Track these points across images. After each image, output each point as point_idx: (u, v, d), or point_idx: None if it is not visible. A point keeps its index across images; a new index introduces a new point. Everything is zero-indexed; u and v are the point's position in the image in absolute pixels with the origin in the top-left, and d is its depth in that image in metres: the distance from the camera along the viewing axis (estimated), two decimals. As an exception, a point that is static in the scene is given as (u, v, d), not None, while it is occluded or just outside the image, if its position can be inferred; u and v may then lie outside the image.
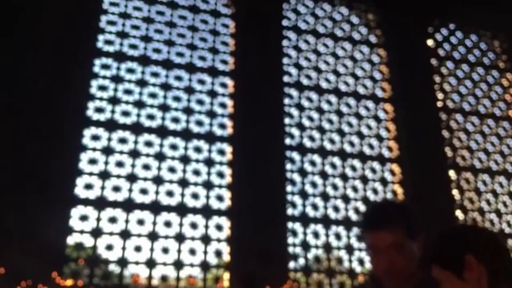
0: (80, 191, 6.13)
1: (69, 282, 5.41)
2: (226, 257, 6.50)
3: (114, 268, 6.15)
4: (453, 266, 1.26)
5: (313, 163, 7.48)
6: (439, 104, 8.60)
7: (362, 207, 7.47)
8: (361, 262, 7.13)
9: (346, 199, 7.43)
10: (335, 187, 7.46)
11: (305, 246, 6.93)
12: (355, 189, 7.57)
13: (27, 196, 5.44)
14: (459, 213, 7.87)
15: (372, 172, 7.80)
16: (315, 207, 7.23)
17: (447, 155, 8.23)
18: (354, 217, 7.36)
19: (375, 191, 7.67)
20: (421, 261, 1.38)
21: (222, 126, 7.24)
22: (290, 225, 6.93)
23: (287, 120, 7.54)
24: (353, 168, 7.70)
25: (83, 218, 6.03)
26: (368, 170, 7.79)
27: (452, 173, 8.16)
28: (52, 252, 5.51)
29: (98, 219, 6.09)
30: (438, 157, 8.01)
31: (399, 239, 1.54)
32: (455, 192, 8.02)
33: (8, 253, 4.94)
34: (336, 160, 7.64)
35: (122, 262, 6.03)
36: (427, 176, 7.48)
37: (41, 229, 5.37)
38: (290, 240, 6.85)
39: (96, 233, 6.03)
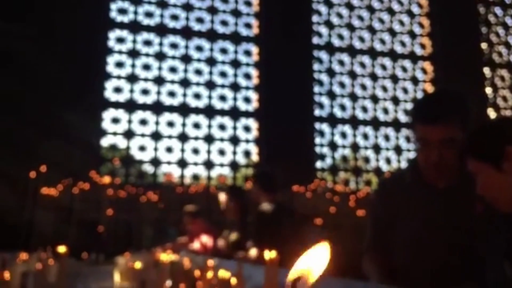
0: (110, 94, 6.24)
1: (106, 180, 5.69)
2: (255, 157, 6.67)
3: (148, 168, 6.42)
4: (492, 157, 1.24)
5: (341, 63, 7.29)
6: (478, -4, 8.04)
7: (391, 107, 7.38)
8: (388, 161, 7.21)
9: (375, 99, 7.33)
10: (364, 87, 7.33)
11: (332, 146, 7.00)
12: (384, 88, 7.42)
13: (62, 98, 5.54)
14: (491, 111, 7.71)
15: (403, 70, 7.58)
16: (343, 107, 7.18)
17: (482, 51, 7.87)
18: (382, 117, 7.31)
19: (405, 91, 7.51)
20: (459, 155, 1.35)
21: (248, 25, 7.01)
22: (317, 125, 6.96)
23: (315, 18, 7.23)
24: (383, 67, 7.49)
25: (115, 120, 6.19)
26: (399, 68, 7.56)
27: (486, 70, 7.86)
28: (89, 152, 5.75)
29: (130, 121, 6.24)
30: (473, 53, 7.67)
31: (452, 133, 1.47)
32: (488, 90, 7.79)
33: (48, 154, 5.17)
34: (366, 59, 7.42)
35: (155, 162, 6.27)
36: (460, 74, 7.21)
37: (77, 131, 5.56)
38: (318, 140, 6.93)
39: (129, 134, 6.21)
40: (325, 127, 7.01)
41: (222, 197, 3.80)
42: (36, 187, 5.14)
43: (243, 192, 4.01)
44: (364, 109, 7.26)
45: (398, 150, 7.26)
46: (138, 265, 2.52)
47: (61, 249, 1.46)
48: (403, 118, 7.36)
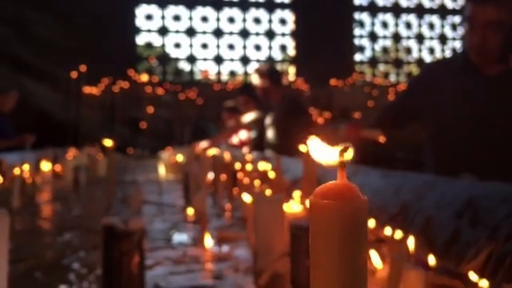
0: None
1: (144, 78, 5.77)
2: (291, 52, 6.52)
3: (184, 65, 6.41)
4: None
5: None
6: None
7: (437, -8, 6.87)
8: (431, 51, 6.89)
9: (420, -17, 6.82)
10: (408, -30, 6.79)
11: (373, 37, 6.71)
12: (431, -30, 6.86)
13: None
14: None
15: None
16: (384, -6, 6.75)
17: None
18: (427, 4, 6.85)
19: (454, -28, 6.91)
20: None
21: None
22: (357, 15, 6.63)
23: None
24: None
25: (149, 17, 6.08)
26: None
27: None
28: (125, 51, 5.77)
29: (163, 18, 6.13)
30: None
31: (501, 16, 1.38)
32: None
33: (86, 54, 5.22)
34: None
35: (191, 59, 6.25)
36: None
37: (111, 29, 5.53)
38: (357, 31, 6.65)
39: (163, 31, 6.13)
40: (365, 16, 6.67)
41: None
42: (78, 87, 5.29)
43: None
44: (408, -5, 6.80)
45: (443, 39, 6.89)
46: (180, 158, 2.63)
47: (107, 142, 1.53)
48: (449, 4, 6.88)
